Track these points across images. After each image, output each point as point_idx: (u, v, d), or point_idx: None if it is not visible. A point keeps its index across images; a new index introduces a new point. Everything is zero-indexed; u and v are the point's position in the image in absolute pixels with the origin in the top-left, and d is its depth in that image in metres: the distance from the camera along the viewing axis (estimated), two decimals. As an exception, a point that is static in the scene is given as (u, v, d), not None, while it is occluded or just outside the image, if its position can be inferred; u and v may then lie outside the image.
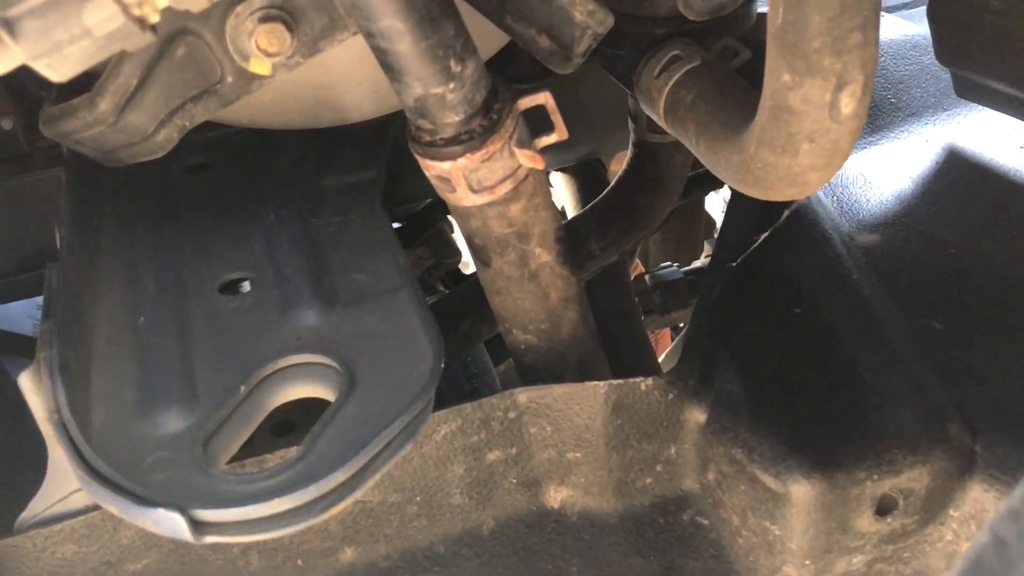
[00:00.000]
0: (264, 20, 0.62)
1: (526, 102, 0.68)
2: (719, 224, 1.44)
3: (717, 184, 1.44)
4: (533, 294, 0.76)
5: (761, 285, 0.85)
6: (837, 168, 0.71)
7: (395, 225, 1.26)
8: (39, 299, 1.17)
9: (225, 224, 0.86)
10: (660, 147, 1.10)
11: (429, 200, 1.38)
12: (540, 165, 0.68)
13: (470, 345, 1.18)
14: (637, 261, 1.66)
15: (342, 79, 0.79)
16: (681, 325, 1.61)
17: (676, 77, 0.84)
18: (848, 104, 0.65)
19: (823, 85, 0.64)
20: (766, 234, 0.89)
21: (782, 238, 0.88)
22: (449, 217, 1.39)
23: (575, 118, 1.32)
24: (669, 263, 1.48)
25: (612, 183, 1.19)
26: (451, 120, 0.65)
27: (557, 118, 0.70)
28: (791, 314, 0.83)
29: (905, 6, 1.39)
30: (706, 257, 1.53)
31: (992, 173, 1.05)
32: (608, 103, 1.23)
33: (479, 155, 0.66)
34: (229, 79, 0.66)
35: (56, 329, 0.67)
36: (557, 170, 1.50)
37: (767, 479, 0.72)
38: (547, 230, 0.74)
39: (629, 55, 0.91)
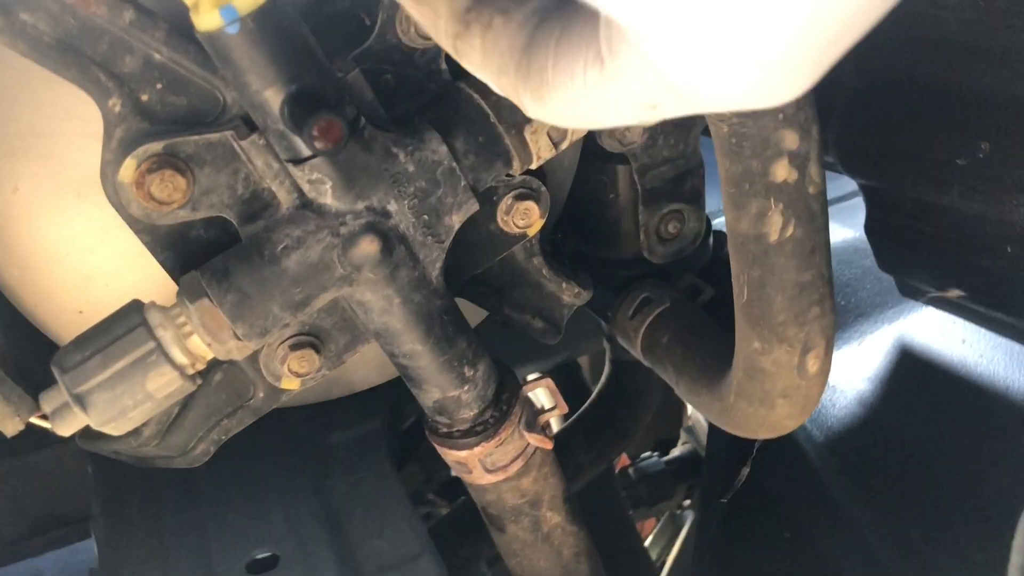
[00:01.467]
0: (295, 347, 0.68)
1: (530, 388, 0.75)
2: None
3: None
4: (547, 554, 0.81)
5: (752, 514, 0.92)
6: (809, 414, 0.79)
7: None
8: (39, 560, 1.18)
9: (244, 496, 0.91)
10: (637, 364, 1.18)
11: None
12: (549, 446, 0.75)
13: (471, 570, 1.22)
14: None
15: (353, 359, 0.86)
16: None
17: (649, 319, 0.92)
18: (814, 364, 0.73)
19: (790, 351, 0.72)
20: (747, 470, 0.96)
21: (762, 461, 0.95)
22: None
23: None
24: (650, 453, 1.55)
25: (593, 395, 1.26)
26: (466, 415, 0.72)
27: (558, 398, 0.77)
28: (782, 539, 0.89)
29: (841, 199, 1.52)
30: (683, 444, 1.60)
31: (943, 369, 1.14)
32: (583, 313, 1.32)
33: (493, 443, 0.72)
34: (261, 394, 0.72)
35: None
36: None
37: None
38: (556, 493, 0.80)
39: (603, 294, 0.99)
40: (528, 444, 0.75)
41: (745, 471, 0.95)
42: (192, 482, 0.93)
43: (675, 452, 1.55)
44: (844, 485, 0.97)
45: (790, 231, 0.67)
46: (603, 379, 1.25)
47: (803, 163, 0.65)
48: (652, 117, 0.40)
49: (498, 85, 0.45)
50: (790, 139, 0.63)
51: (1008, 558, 0.89)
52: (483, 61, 0.44)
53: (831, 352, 0.74)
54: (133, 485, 0.91)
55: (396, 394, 1.03)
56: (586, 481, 1.24)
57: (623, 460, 1.65)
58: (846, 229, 1.37)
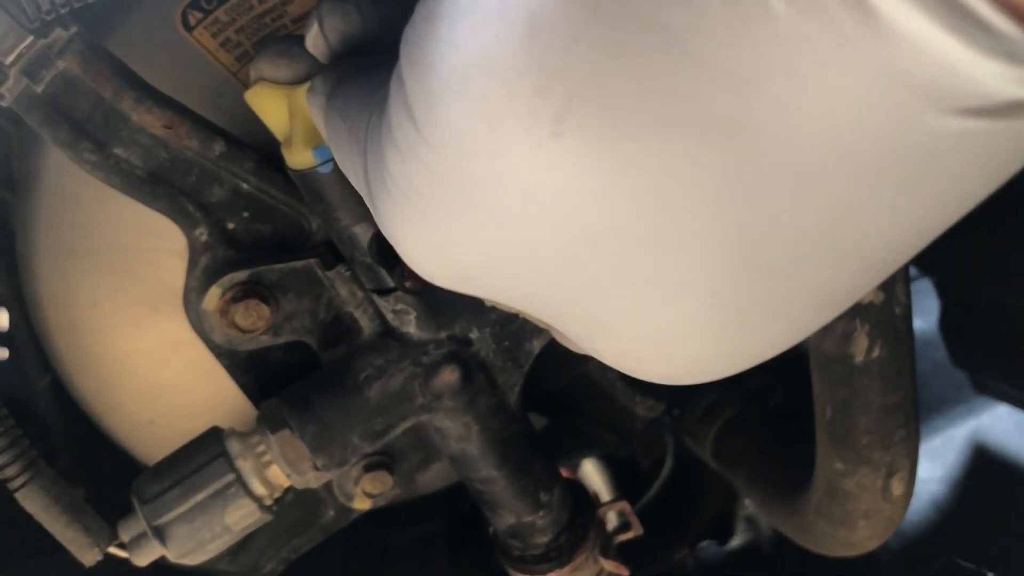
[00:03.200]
0: (369, 469, 0.67)
1: (606, 510, 0.73)
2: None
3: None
4: None
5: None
6: (892, 533, 0.76)
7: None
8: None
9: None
10: (699, 461, 1.16)
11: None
12: (626, 573, 0.72)
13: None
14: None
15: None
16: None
17: (719, 423, 0.90)
18: (899, 487, 0.71)
19: (874, 474, 0.69)
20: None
21: (835, 570, 0.91)
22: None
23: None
24: (708, 543, 1.50)
25: (653, 490, 1.23)
26: (540, 540, 0.70)
27: (634, 520, 0.75)
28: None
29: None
30: (743, 533, 1.55)
31: (1019, 470, 1.10)
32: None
33: (567, 569, 0.70)
34: (331, 513, 0.71)
35: None
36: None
37: None
38: (628, 616, 0.78)
39: (668, 388, 0.97)
40: (603, 569, 0.73)
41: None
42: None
43: (735, 541, 1.50)
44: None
45: (876, 353, 0.66)
46: (664, 473, 1.22)
47: (890, 284, 0.64)
48: None
49: None
50: (878, 263, 0.62)
51: None
52: None
53: (915, 474, 0.72)
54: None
55: (455, 492, 1.02)
56: (646, 578, 1.20)
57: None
58: (917, 320, 1.34)
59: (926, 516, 1.05)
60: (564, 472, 0.73)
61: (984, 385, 1.13)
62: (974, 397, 1.21)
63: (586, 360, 0.73)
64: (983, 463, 1.12)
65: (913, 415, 0.70)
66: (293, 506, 0.70)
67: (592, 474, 1.59)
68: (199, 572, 0.73)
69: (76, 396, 0.73)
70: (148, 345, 0.69)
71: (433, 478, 0.88)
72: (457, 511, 1.12)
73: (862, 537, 0.74)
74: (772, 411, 0.95)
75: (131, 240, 0.66)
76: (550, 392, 0.75)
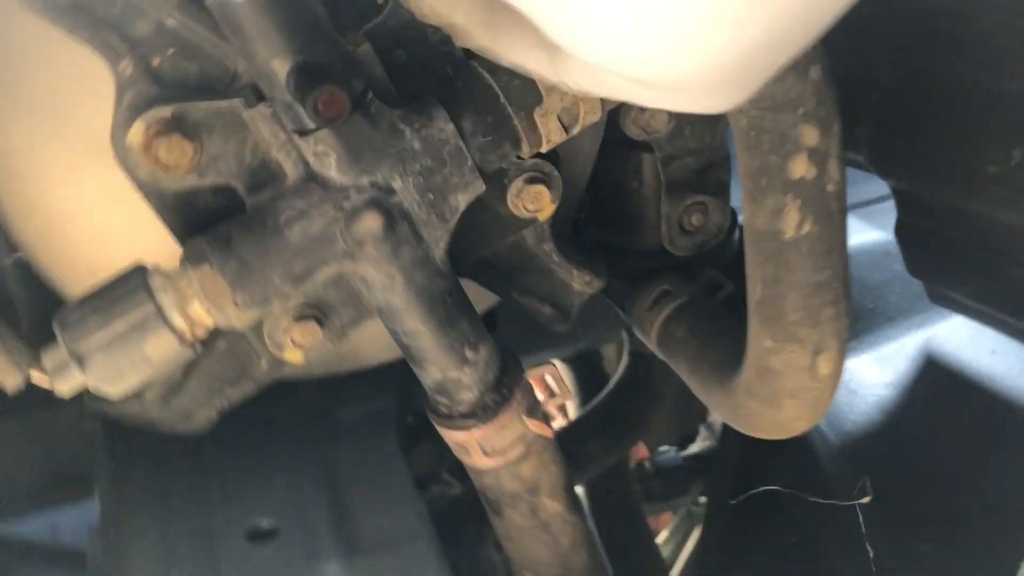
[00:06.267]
0: (298, 319, 0.69)
1: (534, 374, 0.75)
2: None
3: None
4: (544, 542, 0.81)
5: (759, 515, 0.90)
6: (820, 416, 0.78)
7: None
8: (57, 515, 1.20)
9: (248, 463, 0.92)
10: (655, 358, 1.17)
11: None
12: (549, 434, 0.74)
13: (479, 552, 1.22)
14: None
15: (362, 335, 0.86)
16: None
17: (666, 312, 0.91)
18: (825, 367, 0.72)
19: (802, 351, 0.70)
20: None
21: (774, 463, 0.94)
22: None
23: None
24: (667, 447, 1.53)
25: (610, 386, 1.25)
26: (466, 397, 0.71)
27: (562, 386, 0.76)
28: (788, 542, 0.88)
29: (874, 201, 1.49)
30: (702, 440, 1.58)
31: (968, 380, 1.11)
32: (605, 303, 1.31)
33: (492, 427, 0.72)
34: (264, 365, 0.72)
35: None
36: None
37: None
38: (556, 481, 0.80)
39: (622, 284, 0.98)
40: (528, 430, 0.75)
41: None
42: (199, 449, 0.94)
43: (693, 448, 1.53)
44: (856, 495, 0.95)
45: (806, 229, 0.66)
46: (620, 371, 1.24)
47: (822, 160, 0.64)
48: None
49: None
50: (809, 135, 0.62)
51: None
52: None
53: (844, 355, 0.72)
54: (141, 449, 0.93)
55: (409, 373, 1.04)
56: (598, 472, 1.23)
57: (642, 453, 1.64)
58: (878, 232, 1.35)
59: (871, 418, 1.07)
60: (530, 375, 0.75)
61: (940, 296, 1.14)
62: (930, 308, 1.22)
63: (520, 227, 0.74)
64: (933, 372, 1.14)
65: (842, 295, 0.70)
66: (226, 356, 0.71)
67: (559, 375, 1.61)
68: (142, 424, 0.75)
69: (22, 246, 0.74)
70: (88, 191, 0.70)
71: (379, 347, 0.90)
72: (412, 397, 1.14)
73: (789, 417, 0.75)
74: (719, 304, 0.96)
75: (69, 85, 0.66)
76: (484, 259, 0.75)
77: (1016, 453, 0.98)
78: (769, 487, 0.92)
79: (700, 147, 0.88)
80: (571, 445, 1.21)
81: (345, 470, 0.91)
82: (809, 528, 0.88)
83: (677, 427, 1.70)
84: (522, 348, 0.80)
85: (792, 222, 0.66)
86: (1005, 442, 1.01)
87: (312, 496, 0.87)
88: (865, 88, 0.90)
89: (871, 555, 0.83)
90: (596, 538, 0.86)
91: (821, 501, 0.90)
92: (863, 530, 0.86)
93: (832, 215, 0.66)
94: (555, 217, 0.82)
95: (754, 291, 0.71)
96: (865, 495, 0.92)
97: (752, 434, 0.80)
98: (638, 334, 0.97)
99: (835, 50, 0.59)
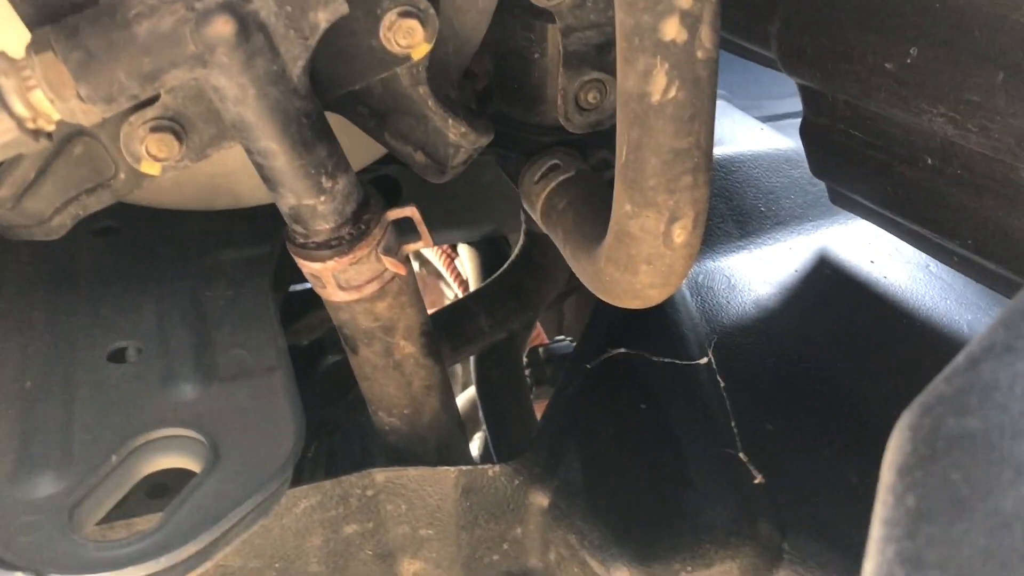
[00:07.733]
0: (155, 130, 0.68)
1: (394, 214, 0.76)
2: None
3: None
4: (397, 381, 0.83)
5: (613, 382, 0.94)
6: (675, 286, 0.80)
7: (301, 287, 1.33)
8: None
9: (121, 291, 0.92)
10: (546, 237, 1.19)
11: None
12: (403, 271, 0.76)
13: (360, 409, 1.25)
14: (540, 331, 1.74)
15: (236, 169, 0.86)
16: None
17: (552, 185, 0.93)
18: (680, 235, 0.74)
19: (657, 217, 0.72)
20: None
21: (639, 339, 0.97)
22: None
23: (478, 200, 1.41)
24: (563, 337, 1.57)
25: (505, 265, 1.27)
26: (322, 227, 0.72)
27: (423, 229, 0.77)
28: (637, 411, 0.91)
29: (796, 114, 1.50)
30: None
31: (844, 284, 1.15)
32: (509, 188, 1.32)
33: (347, 260, 0.73)
34: (122, 176, 0.72)
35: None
36: (464, 243, 1.59)
37: (594, 564, 0.79)
38: (412, 324, 0.81)
39: (517, 158, 0.99)
40: (385, 269, 0.76)
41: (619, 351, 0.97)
42: (73, 271, 0.94)
43: (589, 340, 1.56)
44: (715, 376, 0.98)
45: (672, 93, 0.66)
46: (516, 249, 1.25)
47: (695, 24, 0.64)
48: None
49: None
50: (684, -3, 0.62)
51: (877, 473, 0.92)
52: None
53: (700, 227, 0.74)
54: (14, 261, 0.92)
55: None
56: (486, 346, 1.26)
57: (541, 339, 1.68)
58: (786, 140, 1.37)
59: (746, 311, 1.10)
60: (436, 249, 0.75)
61: (840, 196, 1.15)
62: (821, 217, 1.26)
63: (393, 64, 0.74)
64: (811, 276, 1.17)
65: (703, 166, 0.71)
66: (82, 161, 0.71)
67: (465, 257, 1.63)
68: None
69: None
70: None
71: (255, 186, 0.90)
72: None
73: (644, 284, 0.77)
74: (606, 181, 0.97)
75: None
76: (354, 94, 0.75)
77: (870, 350, 1.02)
78: (622, 350, 0.95)
79: (603, 21, 0.88)
80: (462, 317, 1.23)
81: (215, 306, 0.91)
82: (661, 399, 0.91)
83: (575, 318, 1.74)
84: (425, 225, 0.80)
85: (659, 85, 0.66)
86: (877, 346, 1.05)
87: (179, 326, 0.88)
88: (777, -18, 0.91)
89: (710, 416, 0.87)
90: (451, 386, 0.89)
91: (671, 361, 0.94)
92: (705, 390, 0.90)
93: (700, 82, 0.67)
94: (441, 68, 0.82)
95: (620, 155, 0.72)
96: (704, 356, 0.96)
97: (611, 302, 0.82)
98: (526, 207, 0.98)
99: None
